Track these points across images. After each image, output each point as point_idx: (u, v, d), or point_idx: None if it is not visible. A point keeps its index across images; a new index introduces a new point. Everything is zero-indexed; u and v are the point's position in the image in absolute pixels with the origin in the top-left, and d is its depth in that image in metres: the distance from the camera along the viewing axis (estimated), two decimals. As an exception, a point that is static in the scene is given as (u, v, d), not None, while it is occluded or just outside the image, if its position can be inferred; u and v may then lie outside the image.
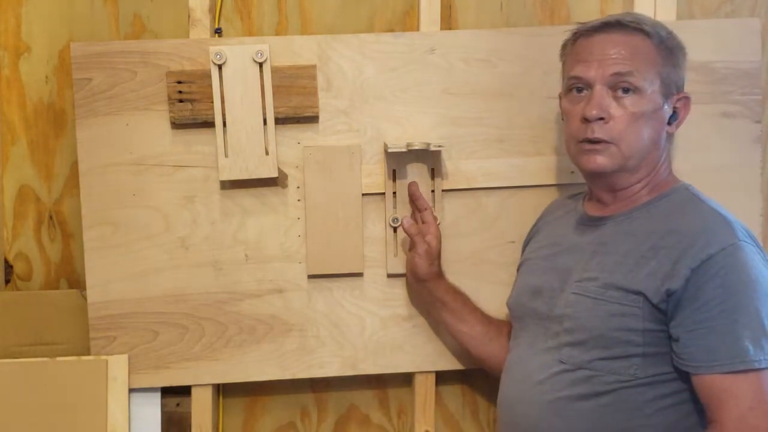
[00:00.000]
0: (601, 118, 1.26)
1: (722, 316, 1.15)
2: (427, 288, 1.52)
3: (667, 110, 1.29)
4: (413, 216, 1.54)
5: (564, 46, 1.38)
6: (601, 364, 1.24)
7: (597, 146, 1.27)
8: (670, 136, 1.33)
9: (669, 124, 1.30)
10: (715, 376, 1.15)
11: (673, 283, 1.18)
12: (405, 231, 1.50)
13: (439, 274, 1.53)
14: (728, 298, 1.16)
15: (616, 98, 1.26)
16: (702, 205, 1.26)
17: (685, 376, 1.20)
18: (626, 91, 1.25)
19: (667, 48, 1.28)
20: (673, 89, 1.29)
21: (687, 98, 1.31)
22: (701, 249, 1.17)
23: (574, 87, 1.30)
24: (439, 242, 1.52)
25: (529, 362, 1.33)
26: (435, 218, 1.52)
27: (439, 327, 1.60)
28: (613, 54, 1.26)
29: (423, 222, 1.51)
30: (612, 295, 1.24)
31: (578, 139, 1.29)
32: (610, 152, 1.27)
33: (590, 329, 1.25)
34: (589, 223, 1.35)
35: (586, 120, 1.27)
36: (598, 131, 1.26)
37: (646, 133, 1.27)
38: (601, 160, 1.27)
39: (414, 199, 1.53)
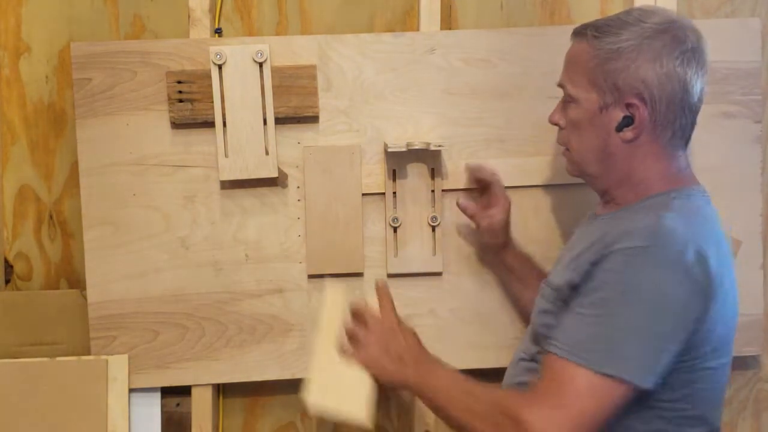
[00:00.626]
0: (558, 125, 1.32)
1: (590, 307, 1.14)
2: (496, 258, 1.55)
3: (613, 116, 1.21)
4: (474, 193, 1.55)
5: None
6: (539, 357, 1.26)
7: (564, 153, 1.33)
8: (641, 142, 1.22)
9: (620, 130, 1.22)
10: (553, 356, 1.14)
11: (576, 276, 1.19)
12: (461, 210, 1.52)
13: (506, 244, 1.53)
14: (605, 294, 1.13)
15: (565, 107, 1.30)
16: (657, 211, 1.17)
17: None
18: (568, 101, 1.28)
19: (611, 51, 1.20)
20: (619, 94, 1.20)
21: (642, 100, 1.19)
22: (607, 246, 1.15)
23: None
24: (507, 213, 1.49)
25: (519, 345, 1.40)
26: (502, 189, 1.50)
27: (439, 327, 1.60)
28: (564, 65, 1.30)
29: (491, 195, 1.50)
30: (546, 292, 1.28)
31: None
32: (570, 158, 1.31)
33: (532, 324, 1.33)
34: (589, 221, 1.36)
35: None
36: (558, 137, 1.33)
37: (590, 140, 1.25)
38: (566, 164, 1.33)
39: (476, 173, 1.52)
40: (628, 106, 1.20)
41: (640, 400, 1.14)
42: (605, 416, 1.11)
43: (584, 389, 1.11)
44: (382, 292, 1.38)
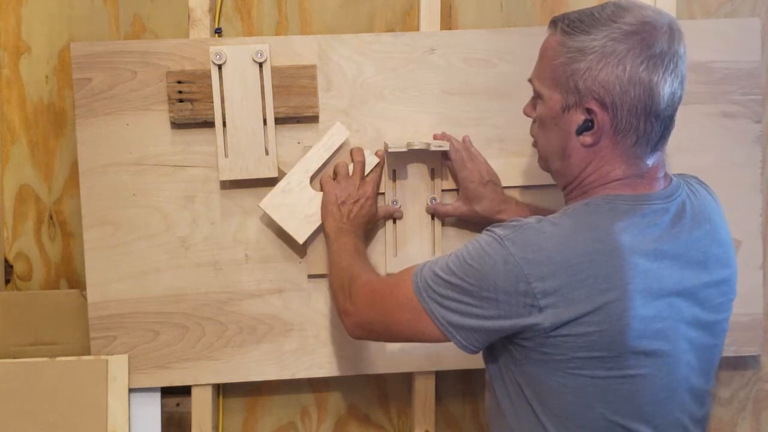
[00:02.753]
0: (530, 117, 1.31)
1: (452, 255, 1.21)
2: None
3: (573, 119, 1.18)
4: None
5: None
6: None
7: (533, 145, 1.33)
8: (603, 147, 1.18)
9: (580, 133, 1.18)
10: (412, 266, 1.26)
11: None
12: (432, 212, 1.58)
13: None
14: (458, 252, 1.20)
15: (534, 102, 1.29)
16: (554, 214, 1.19)
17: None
18: (536, 96, 1.26)
19: (576, 50, 1.16)
20: (581, 97, 1.16)
21: (601, 105, 1.15)
22: None
23: None
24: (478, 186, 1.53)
25: None
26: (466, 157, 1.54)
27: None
28: (537, 58, 1.26)
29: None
30: None
31: None
32: (538, 150, 1.31)
33: None
34: None
35: None
36: (530, 129, 1.32)
37: (552, 138, 1.23)
38: (538, 157, 1.33)
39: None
40: (588, 110, 1.17)
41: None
42: (413, 336, 1.24)
43: (405, 304, 1.22)
44: (357, 158, 1.51)
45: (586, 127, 1.17)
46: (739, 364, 1.73)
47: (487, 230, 1.20)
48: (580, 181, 1.22)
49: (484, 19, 1.67)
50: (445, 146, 1.50)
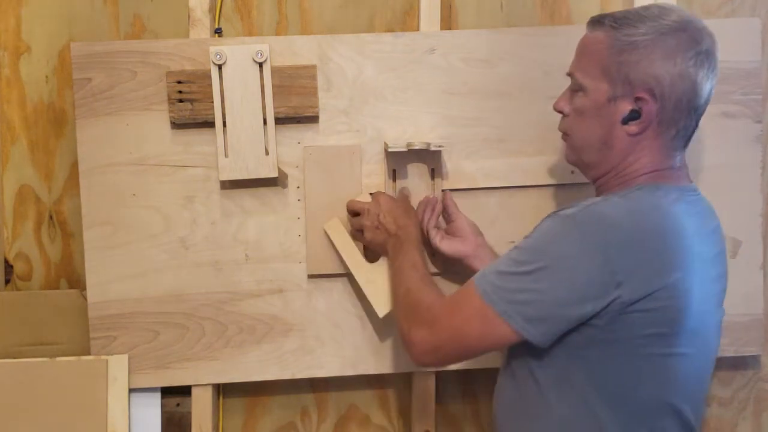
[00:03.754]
0: (562, 113, 1.33)
1: (513, 251, 1.22)
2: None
3: (620, 108, 1.22)
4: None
5: None
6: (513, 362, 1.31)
7: (564, 139, 1.34)
8: (647, 137, 1.23)
9: (626, 123, 1.23)
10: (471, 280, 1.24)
11: None
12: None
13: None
14: (524, 244, 1.21)
15: (572, 96, 1.30)
16: (612, 197, 1.22)
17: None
18: (577, 89, 1.28)
19: (627, 44, 1.21)
20: (630, 88, 1.21)
21: (652, 95, 1.20)
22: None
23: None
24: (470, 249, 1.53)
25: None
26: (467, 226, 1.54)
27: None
28: (575, 54, 1.30)
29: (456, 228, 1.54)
30: None
31: None
32: (569, 144, 1.33)
33: None
34: None
35: None
36: (560, 124, 1.34)
37: (593, 129, 1.26)
38: (566, 152, 1.35)
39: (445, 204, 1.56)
40: (637, 99, 1.21)
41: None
42: (483, 346, 1.22)
43: (473, 315, 1.19)
44: (377, 192, 1.52)
45: (632, 116, 1.22)
46: (739, 364, 1.73)
47: (550, 215, 1.22)
48: (620, 170, 1.26)
49: (484, 19, 1.67)
50: (445, 146, 1.50)
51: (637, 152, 1.24)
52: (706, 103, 1.24)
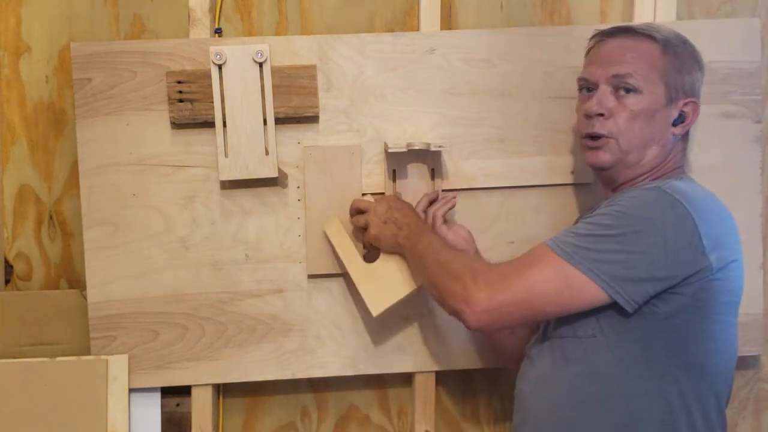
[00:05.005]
0: (601, 114, 1.34)
1: (588, 222, 1.27)
2: None
3: (672, 112, 1.34)
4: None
5: (587, 52, 1.42)
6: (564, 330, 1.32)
7: (598, 142, 1.35)
8: (680, 137, 1.36)
9: (674, 125, 1.34)
10: (542, 243, 1.28)
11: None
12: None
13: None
14: (603, 212, 1.26)
15: (618, 97, 1.34)
16: (656, 187, 1.28)
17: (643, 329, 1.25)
18: (627, 91, 1.33)
19: (675, 54, 1.34)
20: (680, 93, 1.34)
21: (695, 103, 1.35)
22: (613, 200, 1.30)
23: (584, 87, 1.39)
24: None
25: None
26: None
27: (439, 327, 1.60)
28: (617, 57, 1.34)
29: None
30: None
31: (582, 135, 1.38)
32: (610, 147, 1.35)
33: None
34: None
35: (588, 116, 1.35)
36: (597, 126, 1.35)
37: (646, 130, 1.33)
38: (602, 156, 1.36)
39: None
40: (686, 104, 1.34)
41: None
42: (559, 309, 1.24)
43: (552, 275, 1.22)
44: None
45: (681, 119, 1.35)
46: (739, 364, 1.71)
47: (634, 188, 1.31)
48: (661, 167, 1.36)
49: (484, 19, 1.67)
50: (445, 146, 1.50)
51: (675, 151, 1.36)
52: None
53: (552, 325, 1.34)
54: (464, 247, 1.49)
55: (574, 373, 1.29)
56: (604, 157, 1.35)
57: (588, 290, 1.21)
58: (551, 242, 1.25)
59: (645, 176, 1.35)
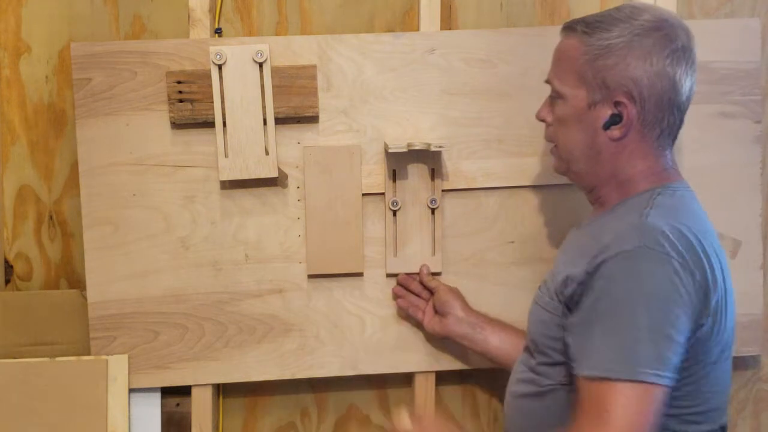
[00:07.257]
0: (544, 121, 1.31)
1: (600, 320, 1.13)
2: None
3: (600, 114, 1.21)
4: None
5: None
6: (541, 368, 1.27)
7: (551, 149, 1.32)
8: (629, 140, 1.22)
9: (607, 128, 1.21)
10: (585, 380, 1.12)
11: (570, 288, 1.19)
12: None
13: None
14: (609, 303, 1.12)
15: (552, 104, 1.29)
16: (640, 209, 1.18)
17: None
18: (555, 97, 1.27)
19: (601, 48, 1.19)
20: (609, 92, 1.19)
21: (623, 103, 1.19)
22: (598, 255, 1.14)
23: None
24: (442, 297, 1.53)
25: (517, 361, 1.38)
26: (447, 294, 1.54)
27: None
28: (552, 60, 1.29)
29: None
30: (545, 301, 1.27)
31: None
32: (556, 154, 1.31)
33: (530, 334, 1.32)
34: (579, 227, 1.35)
35: None
36: (546, 133, 1.33)
37: (577, 137, 1.24)
38: (554, 162, 1.33)
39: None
40: (617, 104, 1.20)
41: None
42: (652, 422, 1.09)
43: (624, 401, 1.08)
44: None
45: (614, 121, 1.21)
46: (739, 364, 1.73)
47: (614, 217, 1.21)
48: (615, 176, 1.24)
49: (484, 19, 1.67)
50: (445, 146, 1.50)
51: (625, 157, 1.23)
52: (689, 99, 1.23)
53: (526, 357, 1.31)
54: (458, 328, 1.50)
55: (552, 402, 1.25)
56: (555, 163, 1.32)
57: (662, 393, 1.10)
58: (590, 372, 1.11)
59: (607, 189, 1.25)
